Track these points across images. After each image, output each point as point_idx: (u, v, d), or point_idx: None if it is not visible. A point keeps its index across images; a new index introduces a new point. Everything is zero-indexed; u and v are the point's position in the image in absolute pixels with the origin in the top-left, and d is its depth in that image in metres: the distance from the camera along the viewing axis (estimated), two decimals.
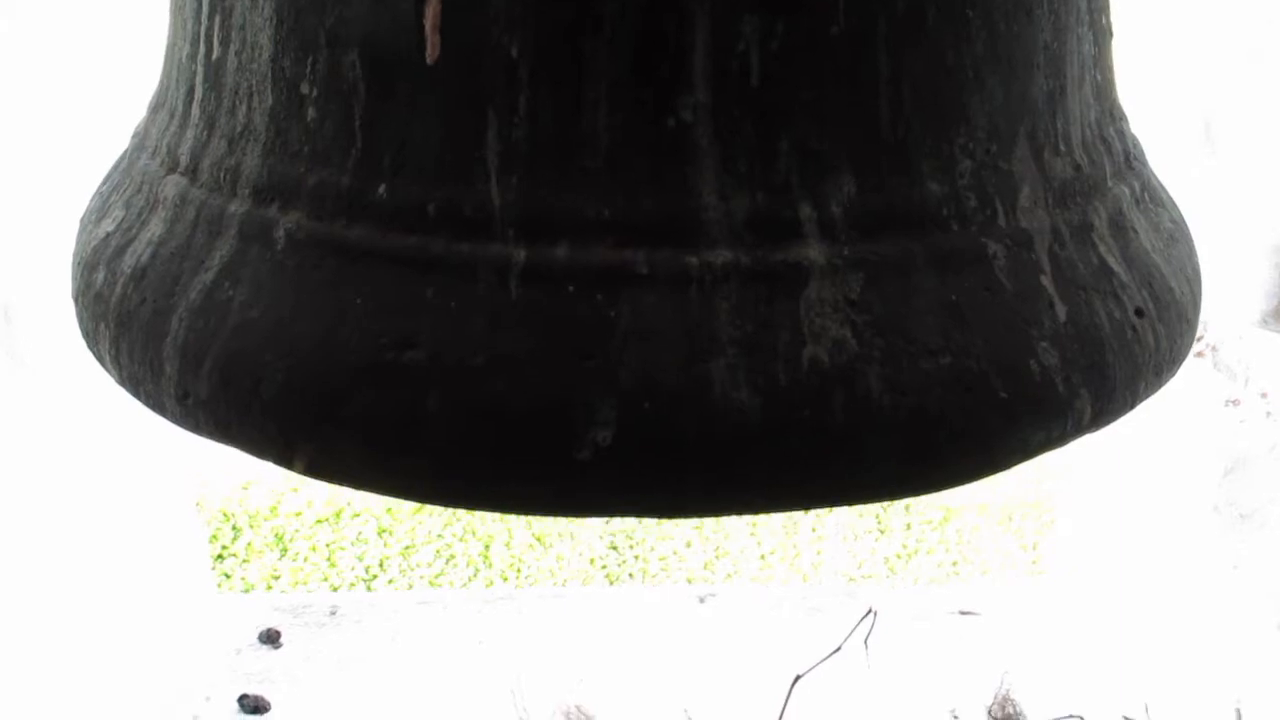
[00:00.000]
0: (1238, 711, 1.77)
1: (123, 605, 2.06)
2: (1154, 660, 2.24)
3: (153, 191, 0.69)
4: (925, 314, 0.58)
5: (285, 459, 0.60)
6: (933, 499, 7.60)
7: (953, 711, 2.16)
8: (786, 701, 1.66)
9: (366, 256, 0.59)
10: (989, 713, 1.83)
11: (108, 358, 0.68)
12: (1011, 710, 1.79)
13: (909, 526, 7.71)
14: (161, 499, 2.27)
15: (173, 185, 0.67)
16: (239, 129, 0.65)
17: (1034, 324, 0.61)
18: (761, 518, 7.54)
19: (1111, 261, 0.67)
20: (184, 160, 0.68)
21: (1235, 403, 1.90)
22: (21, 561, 1.75)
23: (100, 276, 0.68)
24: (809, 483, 0.56)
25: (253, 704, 2.17)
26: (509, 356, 0.55)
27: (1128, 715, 1.83)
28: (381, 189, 0.59)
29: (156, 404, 0.65)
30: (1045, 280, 0.62)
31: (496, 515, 7.20)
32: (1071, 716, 1.81)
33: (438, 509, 7.21)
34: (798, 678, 1.68)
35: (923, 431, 0.57)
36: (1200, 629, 2.10)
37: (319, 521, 7.06)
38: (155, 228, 0.67)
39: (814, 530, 7.62)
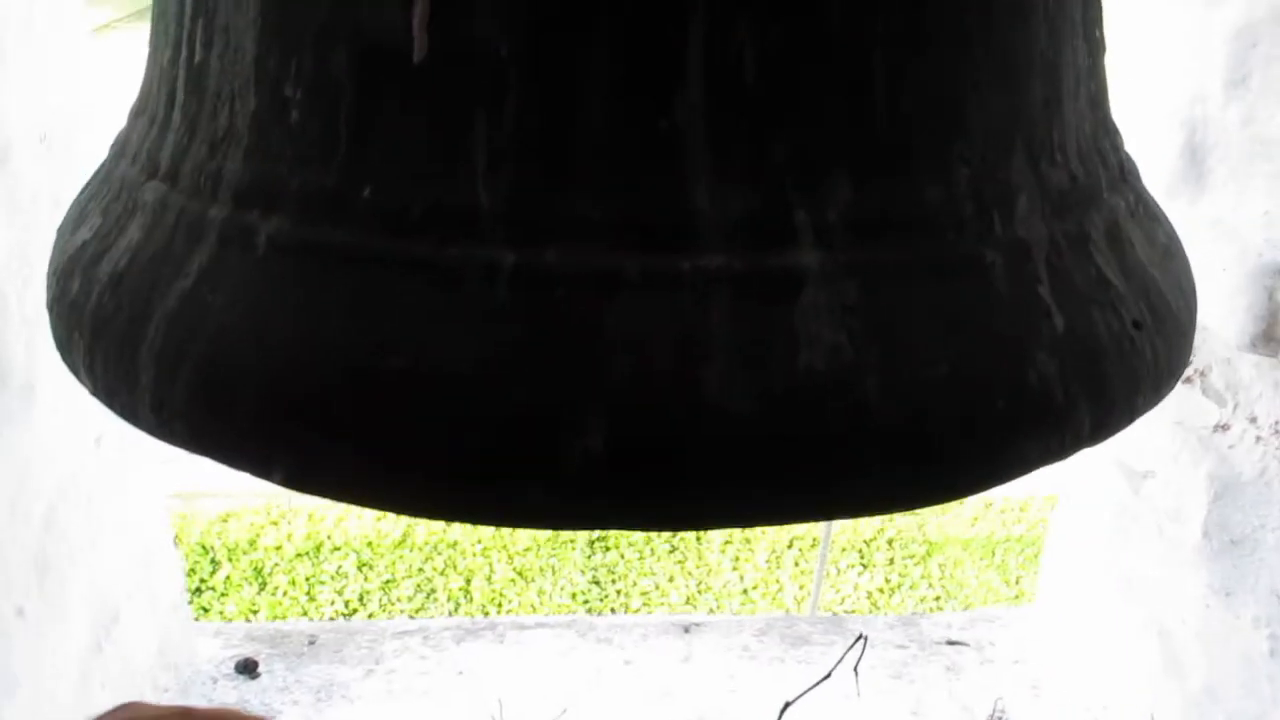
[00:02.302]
0: None
1: (98, 633, 2.02)
2: (1145, 688, 2.22)
3: (131, 198, 0.68)
4: (923, 322, 0.56)
5: (263, 470, 0.58)
6: (916, 533, 7.59)
7: None
8: None
9: (350, 260, 0.57)
10: None
11: (82, 368, 0.66)
12: None
13: (892, 561, 7.70)
14: (138, 525, 2.24)
15: (152, 191, 0.66)
16: (221, 133, 0.63)
17: (1032, 334, 0.60)
18: (745, 551, 7.52)
19: (1109, 273, 0.66)
20: (164, 165, 0.66)
21: (1224, 427, 1.89)
22: None
23: (76, 284, 0.67)
24: (804, 493, 0.54)
25: None
26: (496, 361, 0.53)
27: None
28: (366, 191, 0.58)
29: (131, 414, 0.63)
30: (1043, 290, 0.61)
31: (478, 548, 7.17)
32: None
33: (419, 541, 7.16)
34: (787, 704, 1.66)
35: (921, 442, 0.55)
36: (1192, 655, 2.09)
37: (298, 555, 7.02)
38: (134, 234, 0.65)
39: (797, 565, 7.60)
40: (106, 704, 2.02)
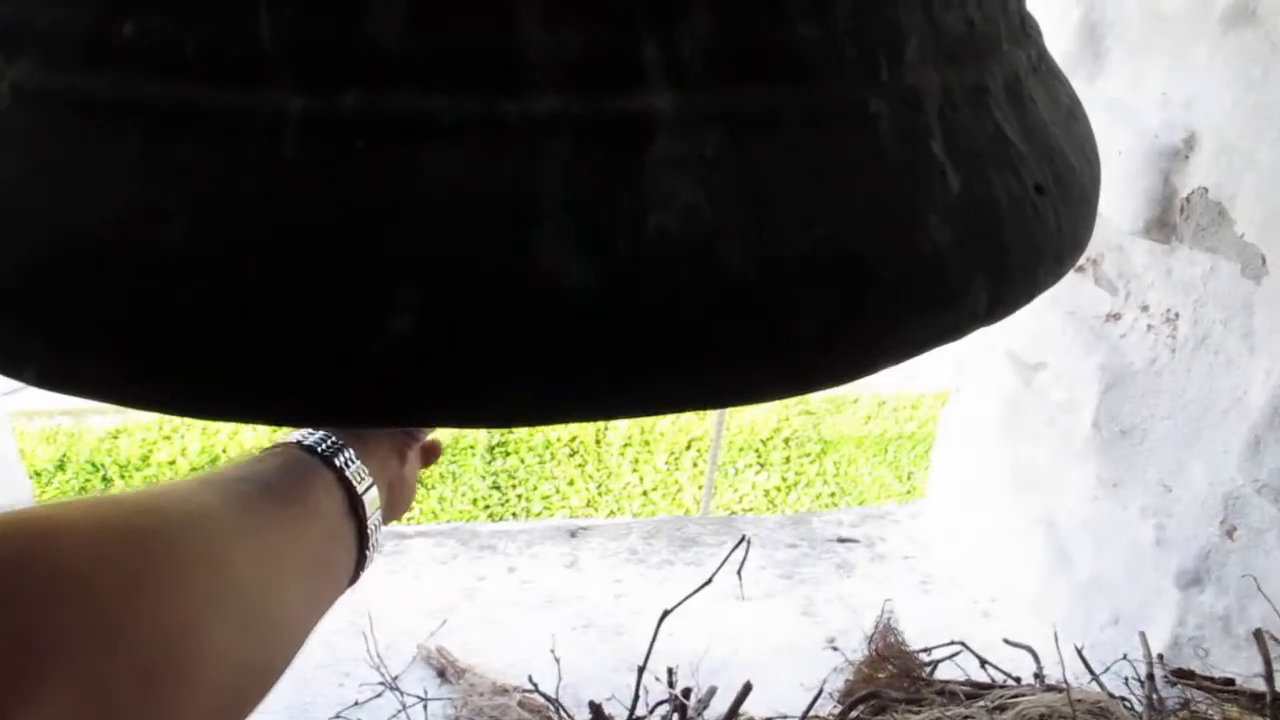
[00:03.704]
0: (1142, 635, 1.75)
1: None
2: (1033, 580, 2.23)
3: None
4: (796, 178, 0.48)
5: (12, 367, 0.48)
6: (811, 432, 7.68)
7: (830, 640, 2.13)
8: (654, 638, 1.59)
9: (110, 110, 0.47)
10: (870, 642, 1.79)
11: None
12: (893, 639, 1.75)
13: (788, 460, 7.80)
14: None
15: None
16: None
17: (924, 195, 0.52)
18: (644, 453, 7.54)
19: (1009, 130, 0.58)
20: None
21: (1116, 316, 1.86)
22: None
23: None
24: (655, 380, 0.46)
25: None
26: (285, 228, 0.44)
27: (1007, 638, 1.81)
28: (128, 27, 0.47)
29: None
30: (936, 146, 0.53)
31: None
32: (953, 643, 1.78)
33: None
34: (666, 613, 1.61)
35: (792, 318, 0.47)
36: (1080, 546, 2.09)
37: (193, 470, 6.84)
38: None
39: (695, 465, 7.66)
40: None
